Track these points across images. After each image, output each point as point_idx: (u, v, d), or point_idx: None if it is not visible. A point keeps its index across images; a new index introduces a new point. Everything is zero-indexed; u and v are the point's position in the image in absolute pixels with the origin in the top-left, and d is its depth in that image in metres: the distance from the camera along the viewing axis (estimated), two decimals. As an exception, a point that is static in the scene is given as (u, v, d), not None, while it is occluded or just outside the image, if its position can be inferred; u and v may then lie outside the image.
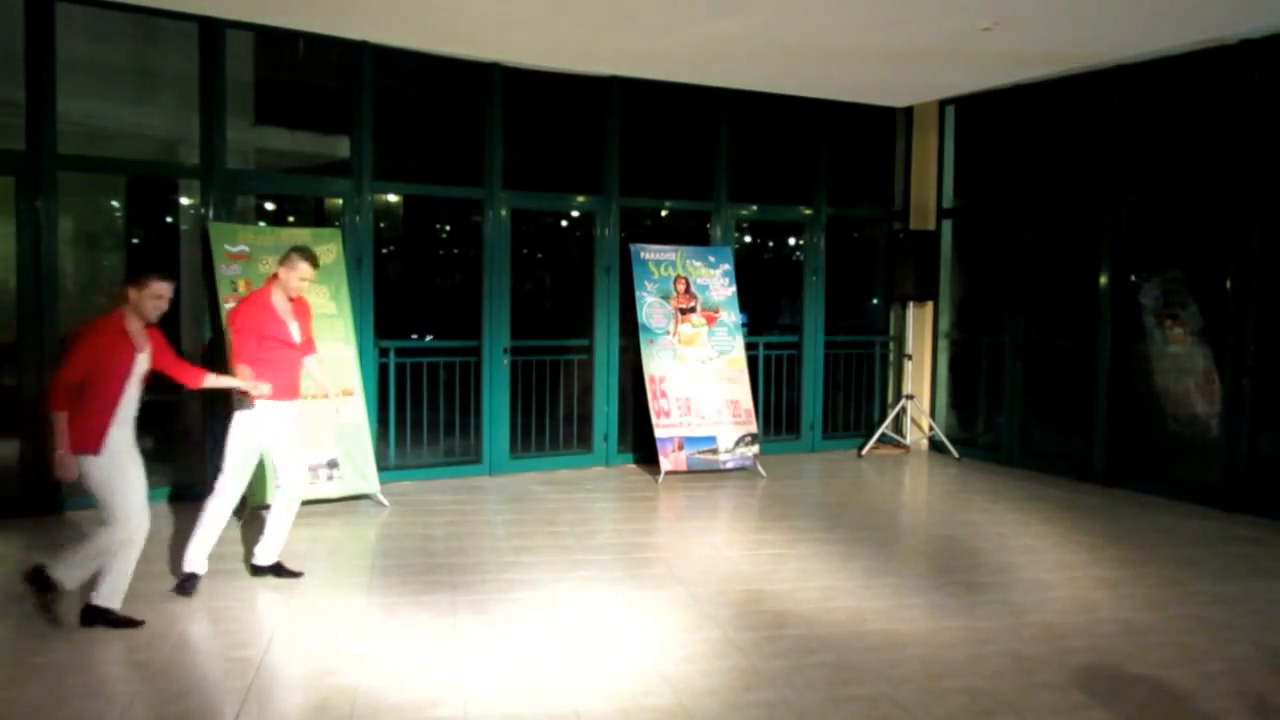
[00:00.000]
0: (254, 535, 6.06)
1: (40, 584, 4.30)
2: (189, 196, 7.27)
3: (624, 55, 7.46)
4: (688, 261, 8.37)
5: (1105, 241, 7.75)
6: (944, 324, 9.28)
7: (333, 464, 6.67)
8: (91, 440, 4.22)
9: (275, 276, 5.04)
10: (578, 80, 8.04)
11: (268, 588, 5.04)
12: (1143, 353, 7.59)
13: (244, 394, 4.81)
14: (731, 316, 8.35)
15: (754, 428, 8.11)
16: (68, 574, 4.31)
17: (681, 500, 7.16)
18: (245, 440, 4.91)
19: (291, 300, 5.08)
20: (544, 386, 8.21)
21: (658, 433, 7.86)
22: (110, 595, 4.38)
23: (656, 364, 8.00)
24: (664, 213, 9.16)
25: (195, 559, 4.88)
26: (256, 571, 5.20)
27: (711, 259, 8.47)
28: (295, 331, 5.07)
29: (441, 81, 7.78)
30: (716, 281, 8.40)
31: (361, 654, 4.15)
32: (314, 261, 5.07)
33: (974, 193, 9.09)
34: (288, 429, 5.03)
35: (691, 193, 8.78)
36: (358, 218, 7.30)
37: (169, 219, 7.86)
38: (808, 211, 9.14)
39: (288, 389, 5.00)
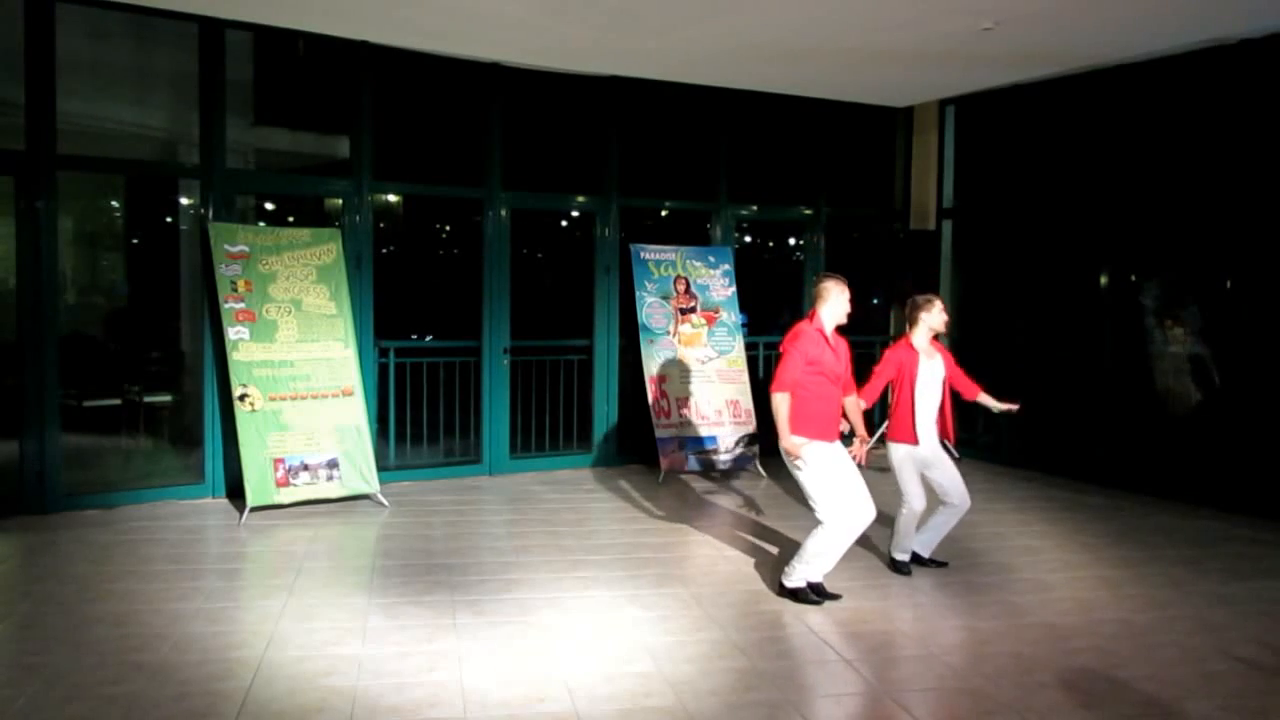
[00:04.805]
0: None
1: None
2: (189, 196, 7.27)
3: (624, 55, 7.46)
4: (688, 261, 8.37)
5: (1105, 241, 7.74)
6: (944, 324, 9.27)
7: (333, 464, 6.66)
8: (908, 434, 5.29)
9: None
10: (578, 80, 8.04)
11: (266, 589, 5.03)
12: (1143, 353, 7.58)
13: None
14: (731, 317, 8.35)
15: (754, 428, 8.11)
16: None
17: (681, 500, 7.15)
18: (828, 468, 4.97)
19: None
20: (544, 386, 8.21)
21: (658, 433, 7.85)
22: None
23: (656, 364, 8.00)
24: (664, 213, 9.15)
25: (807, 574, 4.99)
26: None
27: (711, 259, 8.47)
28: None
29: (441, 81, 7.77)
30: (716, 281, 8.40)
31: (361, 654, 4.15)
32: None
33: (974, 193, 9.08)
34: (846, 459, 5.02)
35: (691, 193, 8.77)
36: (358, 218, 7.30)
37: (169, 219, 7.86)
38: (808, 211, 9.14)
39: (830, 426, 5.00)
